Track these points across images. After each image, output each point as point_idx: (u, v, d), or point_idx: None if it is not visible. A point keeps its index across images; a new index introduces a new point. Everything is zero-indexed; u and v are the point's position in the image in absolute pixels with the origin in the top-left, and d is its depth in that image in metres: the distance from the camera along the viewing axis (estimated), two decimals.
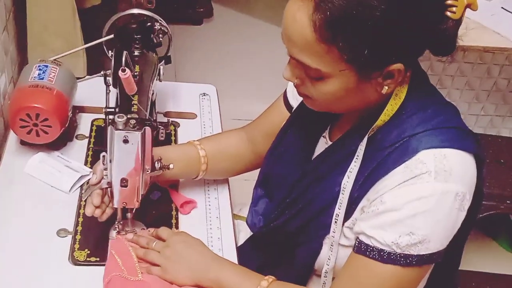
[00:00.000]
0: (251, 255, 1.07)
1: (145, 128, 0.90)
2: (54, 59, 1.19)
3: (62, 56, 1.22)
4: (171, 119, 1.30)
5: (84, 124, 1.26)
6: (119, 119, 0.88)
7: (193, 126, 1.33)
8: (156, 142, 1.02)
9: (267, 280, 0.93)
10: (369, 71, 0.81)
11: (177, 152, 1.10)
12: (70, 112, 1.18)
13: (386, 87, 0.83)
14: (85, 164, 1.17)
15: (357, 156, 0.88)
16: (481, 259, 1.97)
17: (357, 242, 0.87)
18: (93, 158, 1.18)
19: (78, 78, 1.26)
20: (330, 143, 0.97)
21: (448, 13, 0.80)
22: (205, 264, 0.95)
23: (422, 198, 0.81)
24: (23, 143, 1.16)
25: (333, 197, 0.90)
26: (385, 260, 0.83)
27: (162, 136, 1.01)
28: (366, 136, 0.87)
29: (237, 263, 1.04)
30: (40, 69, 1.15)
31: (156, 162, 0.99)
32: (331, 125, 0.99)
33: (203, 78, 1.55)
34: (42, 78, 1.13)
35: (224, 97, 1.48)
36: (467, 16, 0.84)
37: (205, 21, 3.11)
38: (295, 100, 1.07)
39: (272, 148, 1.07)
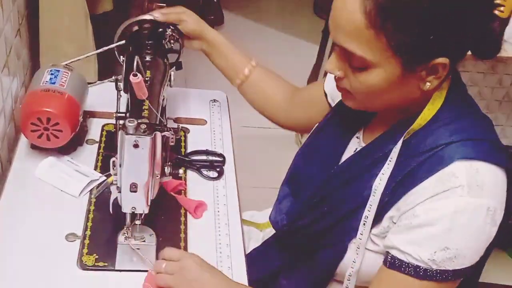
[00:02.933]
0: (269, 256, 1.06)
1: (155, 133, 0.90)
2: (66, 64, 1.20)
3: (74, 61, 1.23)
4: (181, 125, 1.30)
5: (95, 129, 1.27)
6: (130, 124, 0.88)
7: (203, 132, 1.33)
8: (166, 147, 1.02)
9: None
10: (414, 63, 0.80)
11: (232, 49, 1.23)
12: (81, 116, 1.18)
13: (428, 84, 0.82)
14: (95, 169, 1.17)
15: (391, 158, 0.86)
16: (491, 270, 1.95)
17: (389, 258, 0.85)
18: (102, 163, 1.18)
19: (89, 83, 1.26)
20: (363, 144, 0.96)
21: (497, 12, 0.80)
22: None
23: (456, 212, 0.80)
24: (33, 147, 1.17)
25: (362, 200, 0.89)
26: (422, 277, 0.82)
27: (172, 142, 1.01)
28: (402, 139, 0.86)
29: (245, 270, 1.03)
30: (52, 74, 1.15)
31: (166, 167, 0.99)
32: (364, 127, 0.99)
33: (213, 84, 1.55)
34: (54, 83, 1.13)
35: (234, 104, 1.48)
36: None
37: (215, 28, 3.11)
38: (329, 86, 1.11)
39: (303, 146, 1.07)
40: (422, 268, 0.82)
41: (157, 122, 0.96)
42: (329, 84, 1.11)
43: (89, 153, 1.21)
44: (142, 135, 0.88)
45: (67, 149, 1.18)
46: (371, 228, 0.89)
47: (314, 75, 2.32)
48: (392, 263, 0.85)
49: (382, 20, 0.76)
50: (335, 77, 0.87)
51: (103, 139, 1.24)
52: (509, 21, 0.83)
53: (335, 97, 1.07)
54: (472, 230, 0.81)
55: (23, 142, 1.19)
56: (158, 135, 0.91)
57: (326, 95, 1.12)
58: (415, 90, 0.83)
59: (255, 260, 1.05)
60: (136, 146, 0.89)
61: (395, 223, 0.86)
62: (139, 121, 0.89)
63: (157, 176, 0.95)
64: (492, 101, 2.05)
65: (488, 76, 1.98)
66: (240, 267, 1.04)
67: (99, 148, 1.22)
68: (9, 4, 1.20)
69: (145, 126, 0.89)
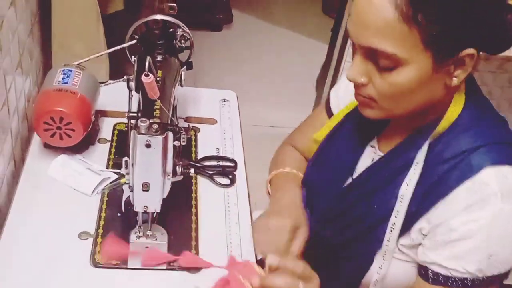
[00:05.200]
0: None
1: (167, 133, 0.91)
2: (78, 64, 1.21)
3: (86, 61, 1.24)
4: (191, 124, 1.30)
5: (106, 128, 1.28)
6: (142, 124, 0.89)
7: (213, 132, 1.34)
8: (178, 147, 1.03)
9: None
10: (445, 56, 0.78)
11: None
12: (93, 116, 1.19)
13: (455, 79, 0.81)
14: (107, 167, 1.18)
15: (417, 163, 0.85)
16: None
17: (431, 273, 0.85)
18: (114, 162, 1.19)
19: (101, 83, 1.27)
20: (380, 153, 0.95)
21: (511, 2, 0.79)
22: None
23: (493, 220, 0.80)
24: (46, 146, 1.18)
25: (387, 212, 0.88)
26: (470, 287, 0.82)
27: (183, 141, 1.01)
28: (427, 142, 0.85)
29: None
30: (64, 73, 1.16)
31: (178, 166, 0.99)
32: (378, 135, 0.97)
33: (223, 84, 1.55)
34: (66, 82, 1.14)
35: (244, 103, 1.49)
36: None
37: (224, 27, 3.14)
38: (338, 110, 1.07)
39: (314, 156, 1.06)
40: (469, 279, 0.82)
41: (169, 122, 0.97)
42: (333, 99, 1.10)
43: (101, 152, 1.22)
44: (154, 135, 0.89)
45: (79, 148, 1.19)
46: (399, 238, 0.88)
47: (324, 75, 2.32)
48: (436, 279, 0.84)
49: (414, 13, 0.74)
50: (355, 85, 0.85)
51: (115, 138, 1.26)
52: None
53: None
54: (511, 234, 0.81)
55: (36, 141, 1.20)
56: (170, 134, 0.92)
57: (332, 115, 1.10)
58: (441, 88, 0.82)
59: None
60: (148, 145, 0.90)
61: (425, 235, 0.85)
62: (150, 120, 0.90)
63: (169, 175, 0.96)
64: (502, 101, 2.04)
65: (498, 75, 1.97)
66: None
67: (110, 147, 1.23)
68: (22, 4, 1.22)
69: (157, 126, 0.90)
